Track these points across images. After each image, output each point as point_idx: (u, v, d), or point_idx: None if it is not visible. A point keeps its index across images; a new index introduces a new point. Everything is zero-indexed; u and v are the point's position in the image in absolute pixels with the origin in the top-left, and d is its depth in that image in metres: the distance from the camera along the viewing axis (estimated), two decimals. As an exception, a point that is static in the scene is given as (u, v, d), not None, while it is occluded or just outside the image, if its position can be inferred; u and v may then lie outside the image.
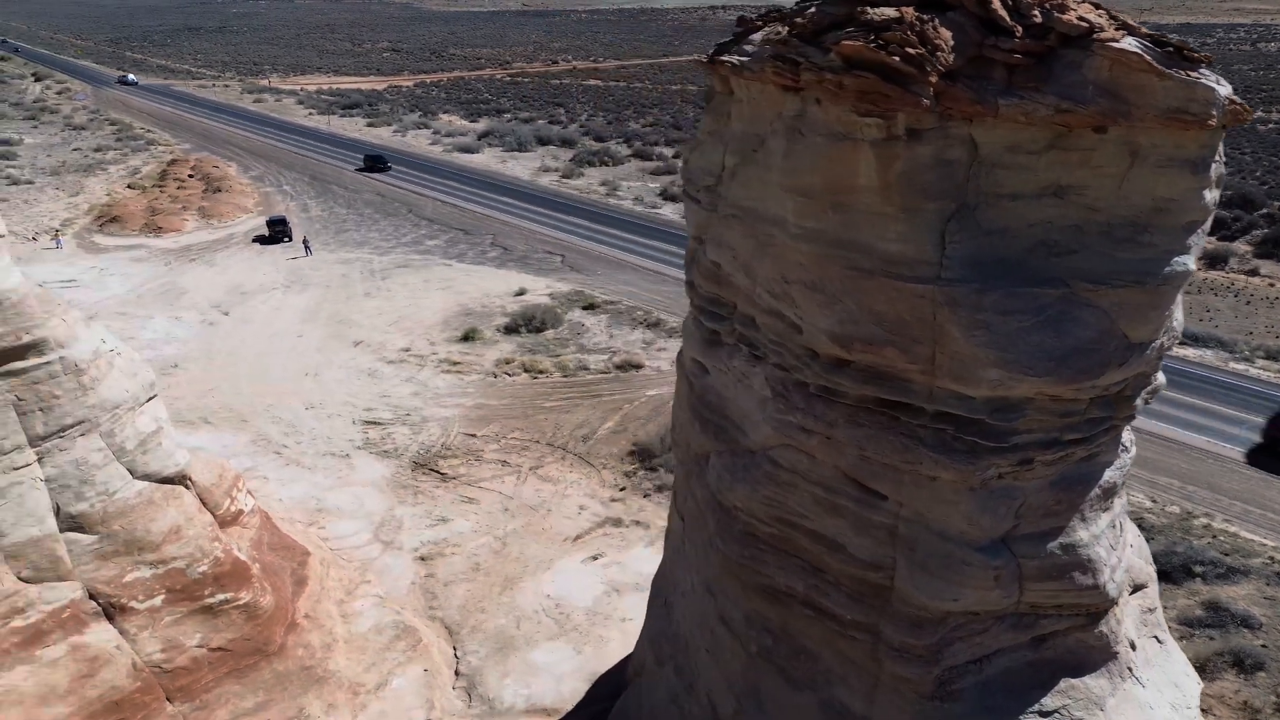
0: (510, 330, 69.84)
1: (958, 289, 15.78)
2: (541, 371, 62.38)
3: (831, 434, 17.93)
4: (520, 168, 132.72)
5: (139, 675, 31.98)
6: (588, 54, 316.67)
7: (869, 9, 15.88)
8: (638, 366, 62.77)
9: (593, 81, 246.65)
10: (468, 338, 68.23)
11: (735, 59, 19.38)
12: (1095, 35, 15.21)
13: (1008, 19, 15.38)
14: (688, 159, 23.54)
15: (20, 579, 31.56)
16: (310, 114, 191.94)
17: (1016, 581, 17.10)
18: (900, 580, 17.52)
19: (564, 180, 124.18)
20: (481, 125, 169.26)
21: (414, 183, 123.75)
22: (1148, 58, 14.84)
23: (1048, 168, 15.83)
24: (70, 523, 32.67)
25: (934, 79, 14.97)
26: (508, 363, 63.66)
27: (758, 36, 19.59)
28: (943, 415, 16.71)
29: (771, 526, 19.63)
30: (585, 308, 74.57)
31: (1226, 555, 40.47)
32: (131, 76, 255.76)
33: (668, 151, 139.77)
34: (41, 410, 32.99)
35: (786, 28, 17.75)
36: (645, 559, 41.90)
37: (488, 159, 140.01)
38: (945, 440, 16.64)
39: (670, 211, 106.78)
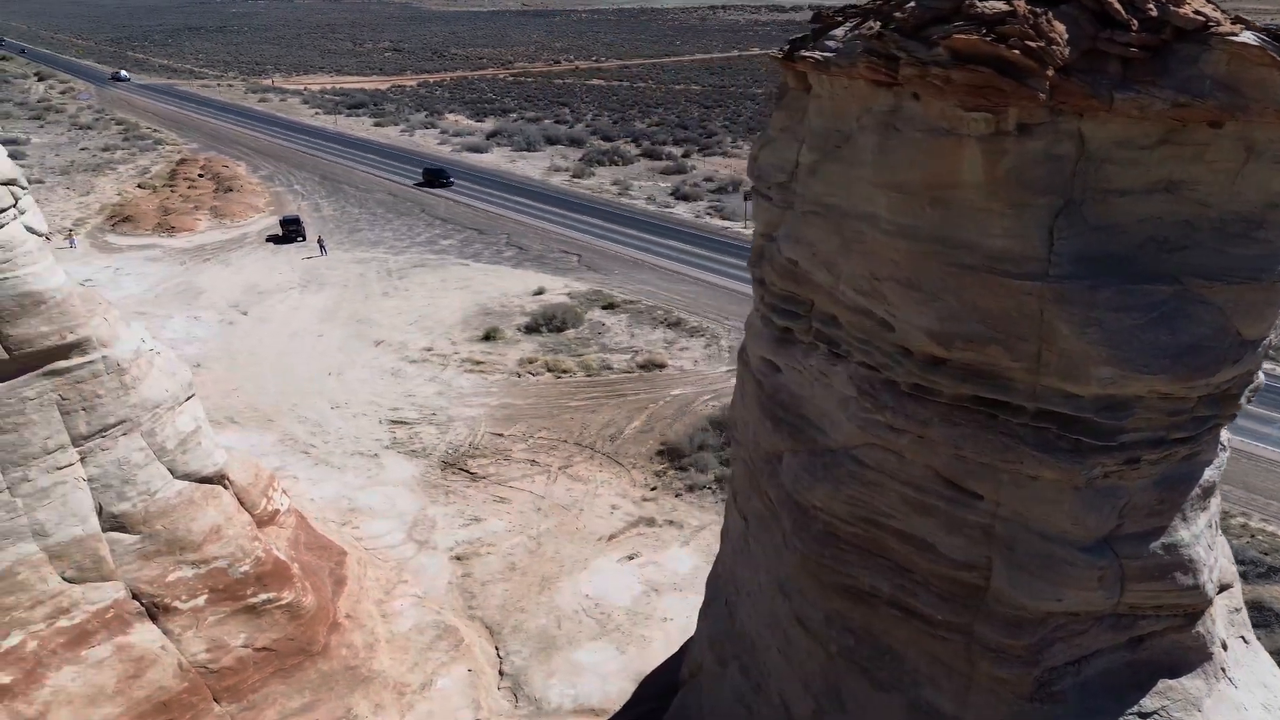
0: (531, 330, 69.67)
1: (1068, 286, 15.57)
2: (565, 371, 62.17)
3: (924, 433, 17.72)
4: (530, 167, 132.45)
5: (186, 675, 31.84)
6: (589, 54, 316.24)
7: (977, 3, 15.65)
8: (660, 366, 62.55)
9: (596, 81, 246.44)
10: (489, 337, 68.05)
11: (819, 54, 19.15)
12: (1212, 29, 15.01)
13: (1123, 12, 15.17)
14: (756, 156, 23.35)
15: (64, 579, 31.47)
16: (316, 113, 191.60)
17: (1119, 582, 16.89)
18: (997, 580, 17.30)
19: (575, 180, 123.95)
20: (488, 125, 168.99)
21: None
22: (1270, 52, 14.62)
23: (1159, 163, 15.61)
24: (113, 522, 32.60)
25: (1050, 73, 14.77)
26: (530, 362, 63.45)
27: (839, 32, 19.39)
28: (1045, 413, 16.49)
29: (855, 526, 19.42)
30: (605, 307, 74.37)
31: (1266, 555, 40.34)
32: (124, 73, 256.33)
33: (677, 151, 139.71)
34: (84, 410, 32.89)
35: (879, 22, 17.53)
36: (681, 559, 41.84)
37: (497, 158, 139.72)
38: (1048, 439, 16.43)
39: (684, 211, 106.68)
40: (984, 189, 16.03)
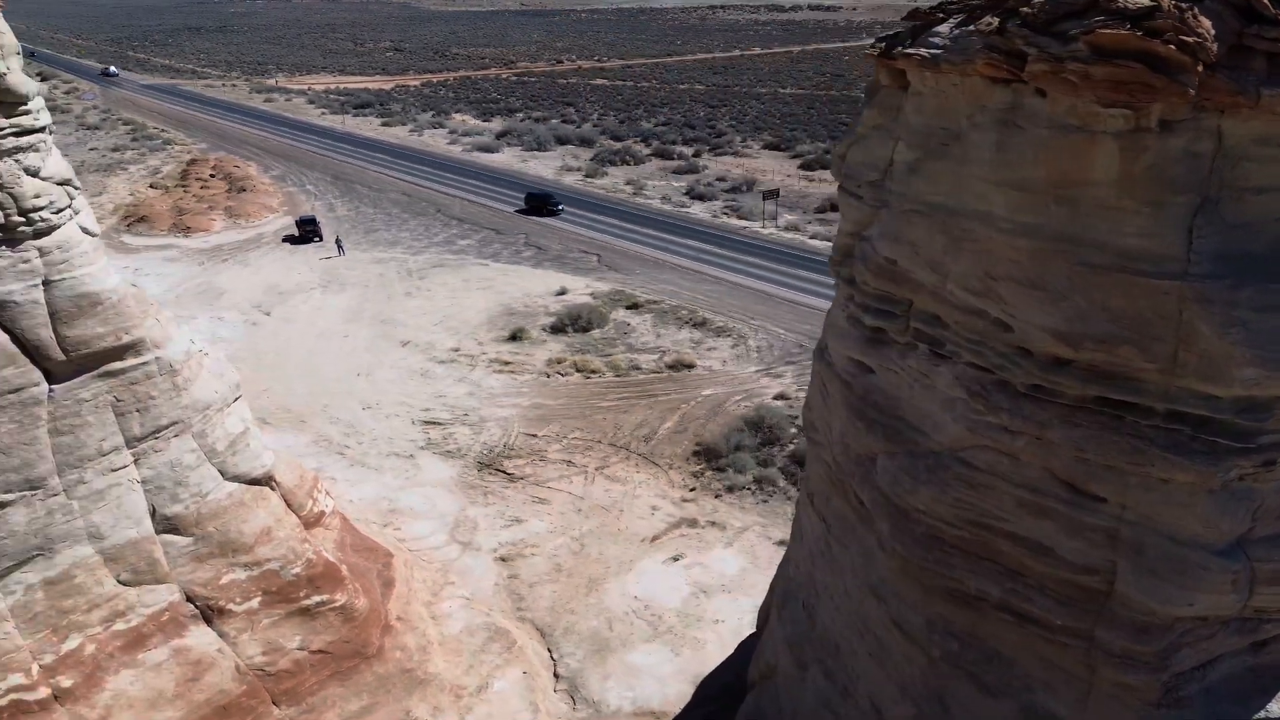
0: (557, 330, 69.53)
1: (1208, 285, 15.28)
2: (594, 371, 61.99)
3: (1042, 435, 17.41)
4: (543, 167, 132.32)
5: (244, 678, 31.66)
6: (591, 53, 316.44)
7: (1114, -2, 15.38)
8: (689, 366, 62.39)
9: (600, 81, 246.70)
10: (515, 337, 67.93)
11: (924, 52, 18.90)
12: (1363, 23, 14.75)
13: (1270, 8, 14.91)
14: (843, 154, 23.07)
15: (119, 582, 31.39)
16: (323, 113, 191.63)
17: (1249, 585, 16.63)
18: (1124, 585, 16.99)
19: (589, 180, 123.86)
20: (496, 125, 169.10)
21: (439, 182, 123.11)
22: None
23: (1299, 160, 15.36)
24: (166, 524, 32.54)
25: (1200, 68, 14.51)
26: (559, 362, 63.27)
27: (944, 29, 19.12)
28: (1177, 415, 16.19)
29: (961, 529, 19.12)
30: (629, 307, 74.20)
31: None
32: (113, 69, 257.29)
33: (687, 151, 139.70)
34: (138, 411, 32.80)
35: (998, 18, 17.24)
36: (726, 560, 41.73)
37: (508, 158, 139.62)
38: (1180, 441, 16.12)
39: (700, 211, 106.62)
40: (1118, 186, 15.75)
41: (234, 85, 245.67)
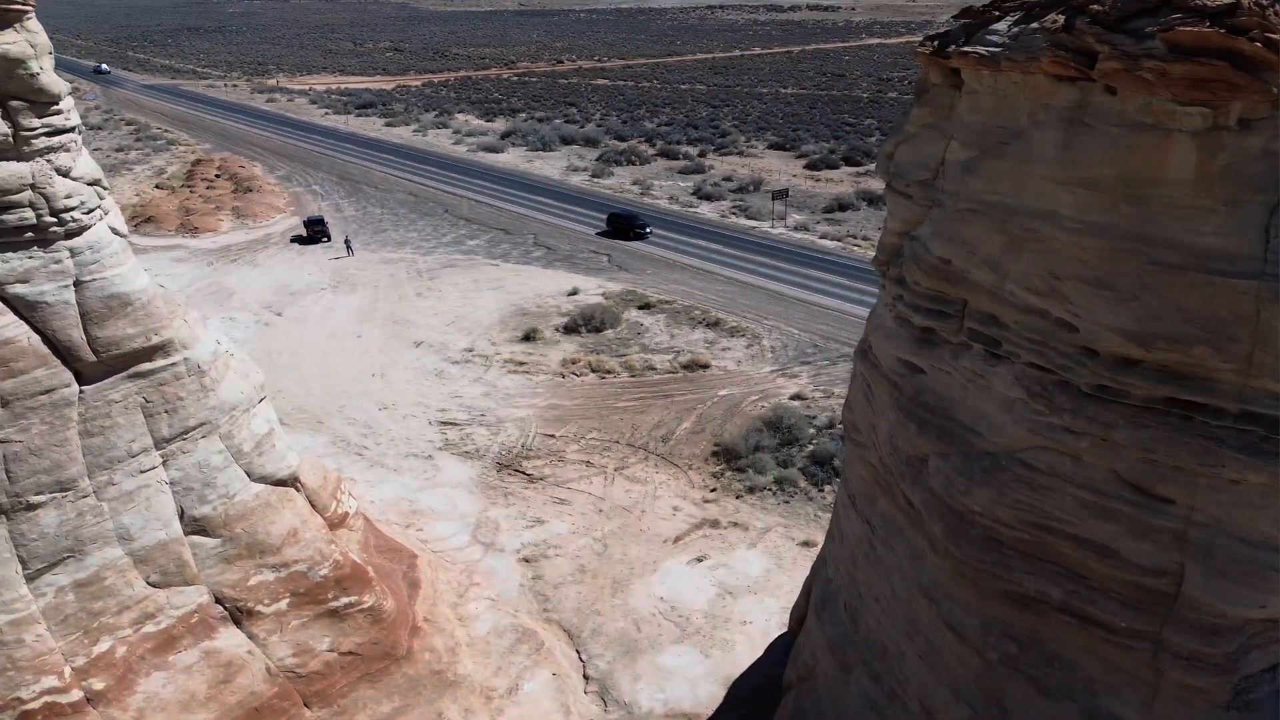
0: (570, 330, 69.39)
1: (1287, 285, 15.18)
2: (609, 371, 61.86)
3: (1108, 436, 17.27)
4: (549, 167, 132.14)
5: (275, 680, 31.53)
6: (591, 54, 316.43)
7: (1191, -7, 15.25)
8: (704, 366, 62.25)
9: (601, 81, 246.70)
10: (529, 338, 67.81)
11: (982, 50, 18.78)
12: None
13: (1350, 5, 14.80)
14: (892, 153, 22.95)
15: (149, 584, 31.23)
16: (326, 113, 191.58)
17: (1321, 588, 16.51)
18: (1193, 587, 16.86)
19: (595, 180, 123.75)
20: (499, 125, 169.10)
21: (446, 183, 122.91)
22: None
23: (1376, 159, 15.24)
24: (194, 526, 32.42)
25: (1282, 66, 14.40)
26: (573, 363, 63.13)
27: (1002, 26, 19.00)
28: (1249, 415, 16.06)
29: (1020, 531, 18.97)
30: (641, 307, 74.08)
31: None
32: (104, 66, 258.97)
33: (692, 150, 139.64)
34: (167, 412, 32.68)
35: (1064, 16, 17.11)
36: (751, 561, 41.60)
37: (514, 158, 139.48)
38: (1253, 442, 15.99)
39: (708, 210, 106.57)
40: (1194, 185, 15.62)
41: (235, 85, 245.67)
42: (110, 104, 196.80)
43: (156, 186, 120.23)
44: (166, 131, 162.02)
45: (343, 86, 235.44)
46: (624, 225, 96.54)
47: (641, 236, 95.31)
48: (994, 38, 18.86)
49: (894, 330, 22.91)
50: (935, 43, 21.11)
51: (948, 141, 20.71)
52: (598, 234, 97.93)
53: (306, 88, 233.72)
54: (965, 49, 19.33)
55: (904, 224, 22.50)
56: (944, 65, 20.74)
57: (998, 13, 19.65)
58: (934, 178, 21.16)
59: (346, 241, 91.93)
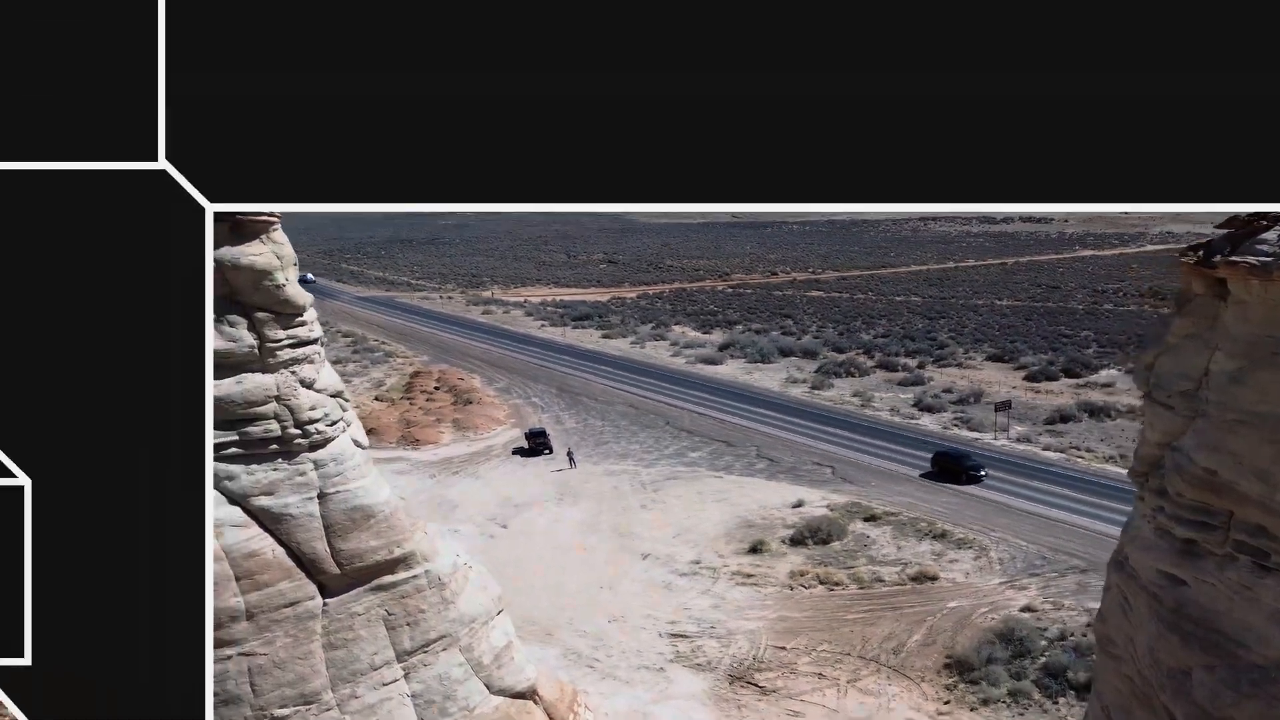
0: (796, 542, 71.32)
1: None
2: (837, 583, 63.45)
3: (1379, 648, 18.40)
4: (768, 379, 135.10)
5: None
6: (805, 265, 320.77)
7: None
8: (933, 578, 63.41)
9: (815, 293, 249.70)
10: (755, 549, 69.95)
11: (1253, 260, 20.42)
12: None
13: None
14: (1151, 363, 24.41)
15: (389, 800, 32.89)
16: (542, 325, 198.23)
17: None
18: None
19: (815, 391, 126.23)
20: (716, 336, 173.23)
21: (666, 394, 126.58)
22: None
23: None
24: (435, 740, 34.01)
25: None
26: (801, 574, 64.91)
27: (1272, 236, 20.59)
28: None
29: (1290, 743, 20.01)
30: (866, 519, 75.73)
31: None
32: (310, 276, 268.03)
33: (910, 362, 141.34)
34: (409, 625, 34.58)
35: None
36: (991, 775, 42.27)
37: (733, 370, 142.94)
38: None
39: (929, 422, 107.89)
40: None
41: (450, 297, 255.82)
42: (325, 315, 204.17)
43: (376, 399, 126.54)
44: (384, 343, 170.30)
45: (558, 298, 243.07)
46: (953, 465, 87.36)
47: (976, 479, 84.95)
48: (1264, 247, 20.60)
49: (1153, 542, 24.15)
50: (1199, 253, 22.73)
51: (1212, 352, 22.25)
52: (921, 475, 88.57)
53: (522, 299, 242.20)
54: (1233, 259, 21.04)
55: (1165, 435, 23.87)
56: (1208, 275, 22.39)
57: (1265, 222, 21.39)
58: (1197, 388, 22.67)
59: (569, 454, 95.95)
